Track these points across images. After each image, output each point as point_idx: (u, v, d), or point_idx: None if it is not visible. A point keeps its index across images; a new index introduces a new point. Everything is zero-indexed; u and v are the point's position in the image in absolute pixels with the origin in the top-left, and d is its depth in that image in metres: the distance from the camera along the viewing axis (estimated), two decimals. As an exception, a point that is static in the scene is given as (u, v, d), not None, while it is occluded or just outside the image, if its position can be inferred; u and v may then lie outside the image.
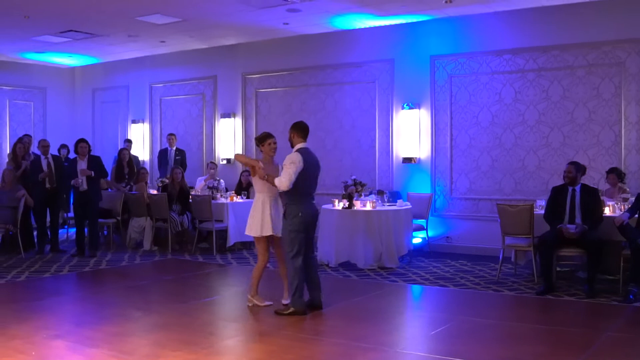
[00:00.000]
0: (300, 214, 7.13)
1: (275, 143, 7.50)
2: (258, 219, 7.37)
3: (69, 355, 5.92)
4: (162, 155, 14.03)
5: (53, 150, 12.56)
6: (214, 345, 6.30)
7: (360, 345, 6.07)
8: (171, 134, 14.04)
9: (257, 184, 7.43)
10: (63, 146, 14.20)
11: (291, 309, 7.18)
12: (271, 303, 7.54)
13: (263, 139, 7.54)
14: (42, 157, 11.68)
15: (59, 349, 6.07)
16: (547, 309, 7.74)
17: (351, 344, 6.12)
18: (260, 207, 7.38)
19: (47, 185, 11.56)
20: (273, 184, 7.14)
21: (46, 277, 9.62)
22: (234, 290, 8.84)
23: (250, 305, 7.57)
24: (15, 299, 8.36)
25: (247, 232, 7.54)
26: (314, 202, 7.41)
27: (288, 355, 5.85)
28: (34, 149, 12.61)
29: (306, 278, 7.33)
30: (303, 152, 7.19)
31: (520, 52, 10.84)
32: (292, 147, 7.31)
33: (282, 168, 7.17)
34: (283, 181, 6.99)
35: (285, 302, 7.45)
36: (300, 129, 7.32)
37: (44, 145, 11.76)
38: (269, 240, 7.47)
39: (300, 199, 7.16)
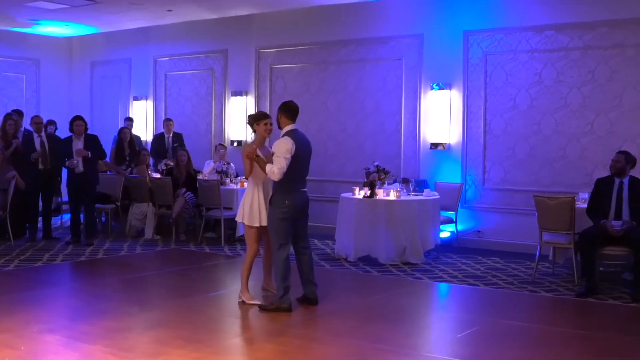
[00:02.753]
0: (287, 202, 7.19)
1: (271, 124, 7.50)
2: (247, 206, 7.45)
3: (62, 351, 5.99)
4: (159, 142, 14.00)
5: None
6: (220, 343, 6.35)
7: (379, 348, 6.10)
8: (168, 119, 14.04)
9: (254, 170, 7.44)
10: (50, 122, 13.93)
11: (275, 305, 7.27)
12: (260, 302, 7.54)
13: (259, 117, 7.56)
14: (35, 135, 11.75)
15: (50, 344, 6.14)
16: (588, 312, 7.73)
17: (369, 346, 6.15)
18: (251, 194, 7.47)
19: (41, 166, 11.64)
20: (263, 170, 7.19)
21: (38, 267, 9.71)
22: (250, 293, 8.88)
23: (239, 301, 7.64)
24: (3, 290, 8.43)
25: (237, 219, 7.67)
26: (305, 189, 7.46)
27: (300, 357, 5.89)
28: (26, 125, 12.67)
29: (299, 271, 7.46)
30: (293, 135, 7.23)
31: (563, 28, 10.77)
32: (280, 129, 7.35)
33: (273, 155, 7.17)
34: (275, 171, 7.03)
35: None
36: (289, 110, 7.36)
37: (37, 122, 11.82)
38: (260, 230, 7.52)
39: (289, 186, 7.21)
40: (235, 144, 14.19)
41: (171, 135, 13.84)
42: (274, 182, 7.21)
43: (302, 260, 7.50)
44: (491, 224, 11.45)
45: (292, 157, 7.08)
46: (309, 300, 7.48)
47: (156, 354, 5.85)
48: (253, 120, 7.57)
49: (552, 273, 9.39)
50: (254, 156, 7.28)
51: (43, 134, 11.84)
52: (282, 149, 7.07)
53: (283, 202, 7.19)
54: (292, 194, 7.23)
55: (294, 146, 7.10)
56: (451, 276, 9.27)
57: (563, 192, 10.36)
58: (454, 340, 6.58)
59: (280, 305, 7.24)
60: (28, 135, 11.89)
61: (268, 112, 7.71)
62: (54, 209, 12.80)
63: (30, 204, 11.80)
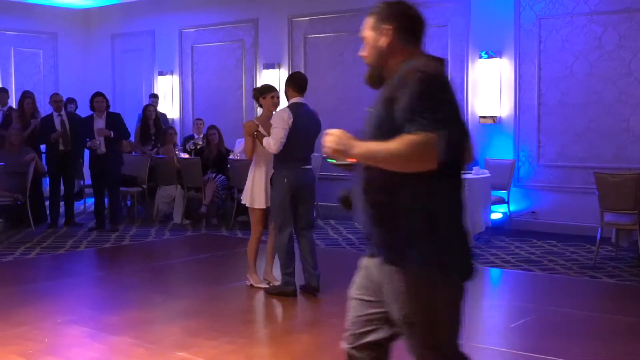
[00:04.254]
0: (286, 180, 7.27)
1: (278, 97, 7.63)
2: (249, 187, 7.62)
3: (87, 343, 6.09)
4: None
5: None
6: (254, 334, 6.42)
7: (426, 338, 6.10)
8: (199, 119, 14.05)
9: (256, 146, 7.58)
10: (70, 100, 14.06)
11: (279, 289, 7.46)
12: (267, 286, 7.72)
13: (265, 91, 7.69)
14: (55, 114, 11.89)
15: (74, 336, 6.25)
16: (654, 299, 7.68)
17: (416, 337, 6.16)
18: (253, 174, 7.62)
19: (61, 147, 11.78)
20: (261, 143, 7.31)
21: (60, 254, 9.85)
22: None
23: (248, 284, 7.85)
24: (24, 279, 8.60)
25: (242, 201, 7.87)
26: (309, 167, 7.53)
27: (337, 349, 5.89)
28: (45, 104, 12.80)
29: (300, 257, 7.52)
30: (294, 108, 7.31)
31: (626, -13, 10.63)
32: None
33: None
34: (271, 143, 7.14)
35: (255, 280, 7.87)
36: (295, 82, 7.46)
37: (56, 100, 11.95)
38: (266, 212, 7.65)
39: (288, 163, 7.29)
40: (267, 120, 14.20)
41: (201, 136, 13.67)
42: (274, 160, 7.34)
43: (300, 243, 7.53)
44: (547, 203, 11.37)
45: (290, 132, 7.15)
46: (310, 289, 7.49)
47: (186, 345, 5.91)
48: (258, 93, 7.69)
49: (615, 257, 9.30)
50: (252, 131, 7.40)
51: (63, 112, 11.97)
52: (278, 119, 7.19)
53: (282, 180, 7.28)
54: (291, 172, 7.30)
55: (292, 118, 7.17)
56: (503, 261, 9.24)
57: (626, 168, 10.25)
58: (507, 330, 6.58)
59: (284, 290, 7.40)
60: (47, 114, 12.02)
61: (271, 85, 7.82)
62: (76, 193, 12.93)
63: (50, 187, 11.96)
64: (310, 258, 7.51)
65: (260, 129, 7.41)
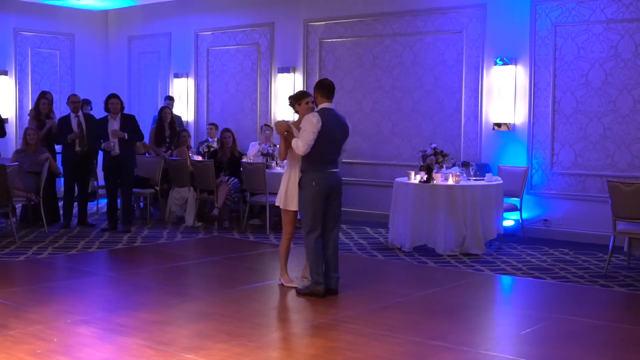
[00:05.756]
0: (314, 183, 7.49)
1: (312, 102, 7.79)
2: (284, 190, 7.82)
3: (97, 343, 6.10)
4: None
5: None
6: (265, 337, 6.40)
7: (436, 345, 6.09)
8: (212, 124, 14.19)
9: (289, 154, 7.79)
10: (85, 102, 13.94)
11: (309, 289, 7.61)
12: (298, 286, 7.84)
13: (299, 97, 7.89)
14: (72, 115, 11.94)
15: (85, 337, 6.25)
16: (666, 309, 7.63)
17: (426, 343, 6.15)
18: (287, 177, 7.82)
19: (78, 148, 11.82)
20: (289, 144, 7.52)
21: (72, 255, 9.88)
22: (289, 275, 8.92)
23: (279, 284, 8.06)
24: (36, 279, 8.63)
25: (276, 203, 8.10)
26: (337, 170, 7.72)
27: (352, 354, 5.91)
28: (63, 105, 12.85)
29: (323, 259, 7.64)
30: (323, 113, 7.50)
31: (642, -4, 10.59)
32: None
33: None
34: (299, 145, 7.36)
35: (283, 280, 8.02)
36: (323, 88, 7.66)
37: (74, 102, 12.01)
38: (296, 214, 7.87)
39: (316, 167, 7.52)
40: (282, 124, 14.21)
41: (215, 139, 13.68)
42: (302, 162, 7.54)
43: (325, 245, 7.68)
44: (560, 211, 11.32)
45: (319, 135, 7.35)
46: (329, 291, 7.62)
47: (196, 348, 5.91)
48: (294, 100, 7.90)
49: (627, 266, 9.26)
50: (283, 131, 7.61)
51: (80, 113, 12.02)
52: (307, 123, 7.38)
53: (310, 183, 7.50)
54: (320, 175, 7.51)
55: (320, 123, 7.35)
56: (515, 268, 9.20)
57: (640, 177, 10.21)
58: (518, 338, 6.55)
59: (314, 290, 7.54)
60: (64, 115, 12.08)
61: (305, 91, 7.96)
62: (90, 194, 12.93)
63: (66, 188, 12.00)
64: (333, 261, 7.67)
65: (292, 130, 7.60)
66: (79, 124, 11.86)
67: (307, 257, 7.73)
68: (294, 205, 7.74)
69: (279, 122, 7.82)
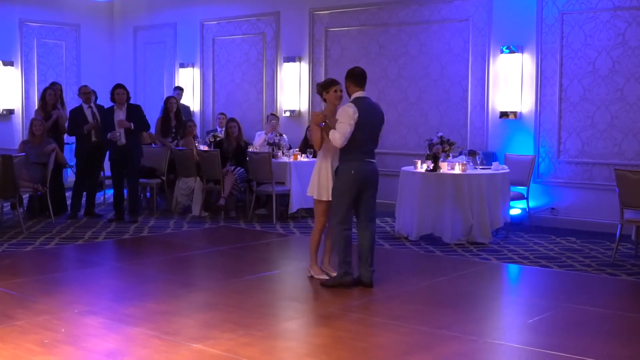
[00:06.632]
0: (353, 172, 7.38)
1: (341, 91, 7.70)
2: (316, 180, 7.71)
3: (104, 333, 6.11)
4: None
5: (77, 97, 12.78)
6: (271, 327, 6.40)
7: (442, 334, 6.09)
8: (222, 114, 14.23)
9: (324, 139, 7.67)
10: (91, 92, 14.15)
11: (337, 281, 7.50)
12: (328, 277, 7.75)
13: (327, 85, 7.75)
14: (85, 106, 11.97)
15: (92, 327, 6.27)
16: (674, 297, 7.62)
17: (432, 332, 6.15)
18: (319, 167, 7.72)
19: (94, 139, 11.85)
20: (326, 135, 7.40)
21: (79, 245, 9.90)
22: (295, 265, 8.94)
23: (309, 275, 7.94)
24: (43, 269, 8.65)
25: (308, 193, 7.98)
26: (374, 160, 7.60)
27: (358, 343, 5.92)
28: (74, 96, 12.83)
29: (358, 251, 7.57)
30: (358, 102, 7.39)
31: (650, -17, 10.54)
32: (349, 97, 7.57)
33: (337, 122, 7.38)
34: (336, 137, 7.24)
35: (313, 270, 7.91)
36: (355, 76, 7.55)
37: (85, 92, 12.04)
38: (329, 205, 7.72)
39: (354, 156, 7.39)
40: (288, 113, 14.22)
41: (222, 129, 13.66)
42: (340, 152, 7.42)
43: (362, 236, 7.58)
44: (567, 200, 11.30)
45: (356, 125, 7.24)
46: (362, 283, 7.53)
47: (203, 338, 5.92)
48: (322, 88, 7.77)
49: (635, 255, 9.24)
50: (320, 121, 7.49)
51: (92, 104, 12.04)
52: (344, 115, 7.26)
53: (349, 172, 7.37)
54: (357, 164, 7.39)
55: (357, 114, 7.25)
56: (522, 257, 9.19)
57: (648, 165, 10.19)
58: (525, 327, 6.54)
59: (342, 281, 7.44)
60: (77, 107, 12.11)
61: (333, 79, 7.87)
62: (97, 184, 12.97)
63: (80, 178, 12.03)
64: (369, 253, 7.55)
65: (329, 120, 7.48)
66: (93, 115, 11.90)
67: (335, 246, 7.56)
68: (327, 196, 7.62)
69: (315, 112, 7.73)
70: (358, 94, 7.47)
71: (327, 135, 7.39)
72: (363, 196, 7.49)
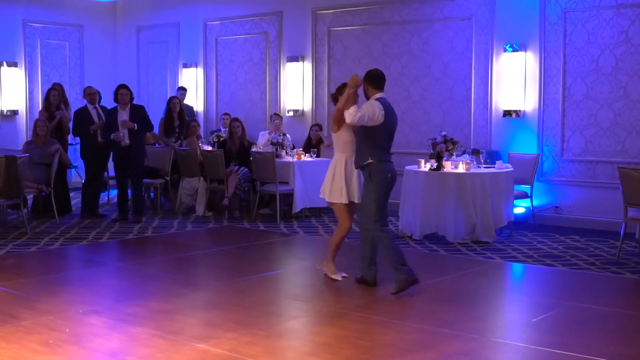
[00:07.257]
0: (389, 175, 7.36)
1: (357, 94, 7.57)
2: (329, 181, 7.62)
3: (108, 333, 6.12)
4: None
5: (81, 98, 12.80)
6: (275, 326, 6.40)
7: (446, 332, 6.09)
8: (226, 114, 14.23)
9: (337, 142, 7.64)
10: None
11: (403, 284, 7.21)
12: (341, 279, 7.72)
13: (341, 87, 7.67)
14: (90, 106, 12.01)
15: (95, 326, 6.27)
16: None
17: (436, 331, 6.14)
18: (333, 168, 7.63)
19: (100, 139, 11.87)
20: (343, 109, 7.22)
21: (83, 245, 9.91)
22: (299, 264, 8.94)
23: (323, 272, 7.84)
24: (48, 269, 8.67)
25: (321, 195, 7.84)
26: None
27: (361, 342, 5.91)
28: (78, 97, 12.86)
29: (363, 249, 7.55)
30: (381, 103, 7.32)
31: (653, -19, 10.53)
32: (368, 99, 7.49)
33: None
34: (351, 112, 7.12)
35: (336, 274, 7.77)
36: (375, 78, 7.51)
37: (90, 93, 12.09)
38: (350, 206, 7.66)
39: (384, 157, 7.38)
40: (291, 113, 14.22)
41: (227, 128, 13.68)
42: (373, 153, 7.28)
43: (365, 238, 7.55)
44: (570, 198, 11.29)
45: (382, 126, 7.24)
46: (366, 282, 7.53)
47: (206, 337, 5.93)
48: (337, 92, 7.67)
49: (639, 253, 9.21)
50: (358, 85, 7.35)
51: (98, 105, 12.08)
52: (370, 106, 7.22)
53: (386, 174, 7.35)
54: (389, 165, 7.41)
55: (382, 112, 7.22)
56: (526, 256, 9.18)
57: (652, 163, 10.17)
58: (529, 325, 6.53)
59: (409, 280, 7.17)
60: (82, 107, 12.16)
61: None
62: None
63: (87, 179, 12.07)
64: (375, 253, 7.52)
65: (352, 95, 7.32)
66: (99, 115, 11.93)
67: (387, 252, 7.30)
68: (339, 198, 7.52)
69: (355, 74, 7.45)
70: (378, 95, 7.41)
71: (342, 108, 7.24)
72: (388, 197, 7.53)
